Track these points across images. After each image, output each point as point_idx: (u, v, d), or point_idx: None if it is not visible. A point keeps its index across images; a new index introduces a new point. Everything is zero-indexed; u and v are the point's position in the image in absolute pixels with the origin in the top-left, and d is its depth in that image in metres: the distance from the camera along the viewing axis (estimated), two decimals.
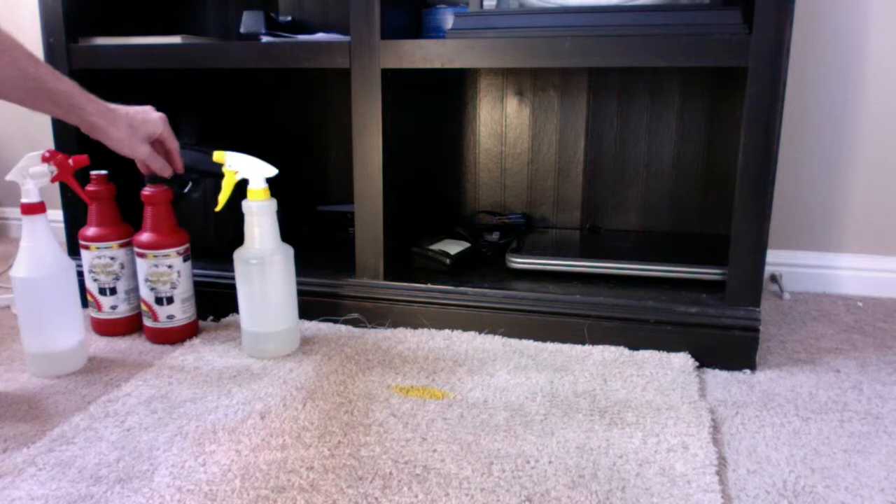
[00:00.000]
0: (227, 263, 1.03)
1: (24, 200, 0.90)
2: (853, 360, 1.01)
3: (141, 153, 0.97)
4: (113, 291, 1.06)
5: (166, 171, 1.01)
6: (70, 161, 0.98)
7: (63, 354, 0.95)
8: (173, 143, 1.02)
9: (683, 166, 1.30)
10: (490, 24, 1.00)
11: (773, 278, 1.34)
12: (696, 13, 0.93)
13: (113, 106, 0.93)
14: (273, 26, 1.22)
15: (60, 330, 0.94)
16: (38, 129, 1.69)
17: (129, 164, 1.19)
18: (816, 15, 1.24)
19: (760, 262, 0.95)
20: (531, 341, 1.04)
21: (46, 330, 0.93)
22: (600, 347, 1.01)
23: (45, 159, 0.95)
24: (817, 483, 0.71)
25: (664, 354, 0.98)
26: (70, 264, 0.95)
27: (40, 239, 0.91)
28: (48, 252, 0.92)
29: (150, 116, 0.97)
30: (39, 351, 0.94)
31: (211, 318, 1.14)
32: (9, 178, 0.92)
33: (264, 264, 0.97)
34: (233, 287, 1.02)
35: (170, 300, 1.03)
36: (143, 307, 1.04)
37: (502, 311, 1.05)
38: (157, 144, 1.00)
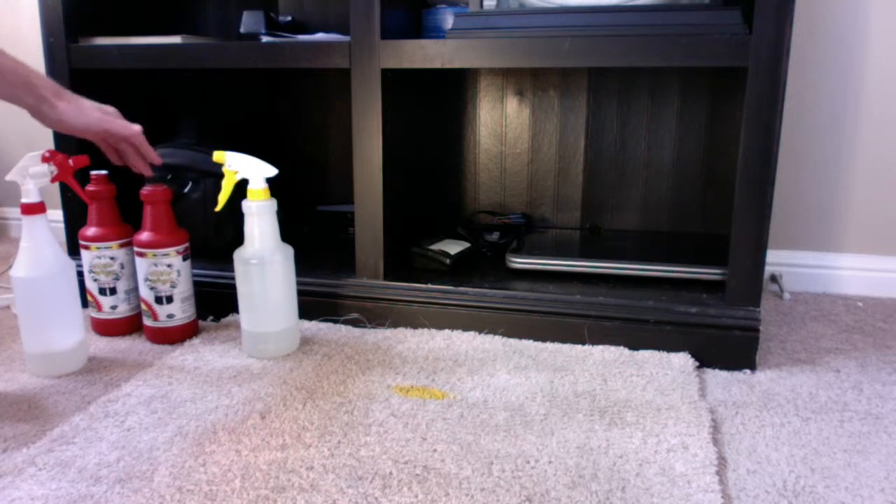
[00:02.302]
0: (227, 263, 1.03)
1: (24, 200, 0.90)
2: (853, 360, 1.01)
3: (93, 119, 0.91)
4: (113, 291, 1.06)
5: (128, 129, 0.95)
6: (70, 161, 0.98)
7: (63, 354, 0.95)
8: (139, 140, 0.97)
9: (683, 166, 1.30)
10: (490, 24, 1.00)
11: (773, 278, 1.34)
12: (696, 13, 0.93)
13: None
14: (273, 26, 1.22)
15: (60, 330, 0.94)
16: (38, 129, 1.69)
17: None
18: (816, 15, 1.24)
19: (760, 262, 0.95)
20: (531, 341, 1.04)
21: (46, 330, 0.93)
22: (600, 347, 1.01)
23: (45, 159, 0.95)
24: (817, 483, 0.71)
25: (664, 354, 0.98)
26: (70, 264, 0.95)
27: (40, 239, 0.91)
28: (48, 252, 0.92)
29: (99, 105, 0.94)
30: (39, 351, 0.94)
31: (211, 318, 1.14)
32: (9, 177, 0.92)
33: (264, 264, 0.97)
34: (233, 287, 1.02)
35: (169, 299, 1.03)
36: (143, 306, 1.04)
37: (502, 311, 1.05)
38: (118, 142, 0.96)
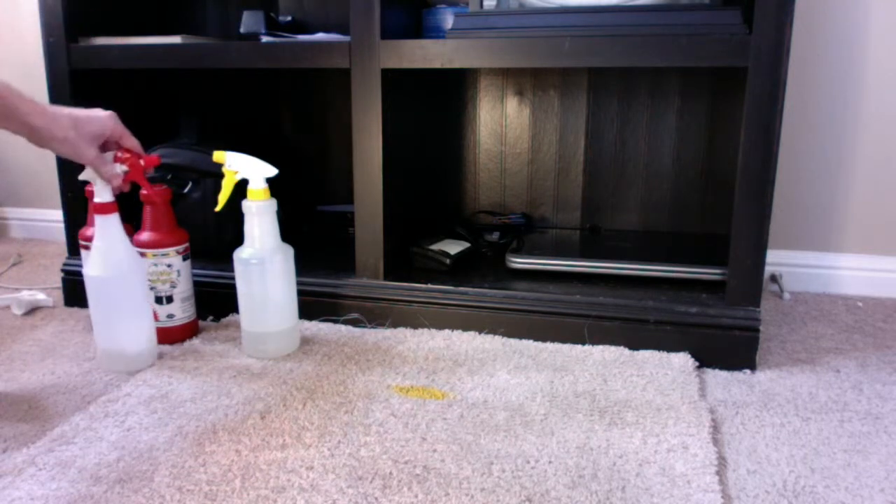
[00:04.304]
0: (227, 263, 1.03)
1: (97, 200, 0.91)
2: (853, 360, 1.01)
3: (88, 156, 0.88)
4: None
5: (117, 180, 0.91)
6: (141, 161, 0.95)
7: (134, 353, 0.96)
8: (131, 141, 0.94)
9: (683, 166, 1.30)
10: (490, 24, 1.00)
11: (773, 278, 1.34)
12: (696, 13, 0.93)
13: (52, 106, 0.86)
14: (273, 26, 1.22)
15: (131, 328, 0.95)
16: None
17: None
18: (816, 15, 1.24)
19: (760, 262, 0.95)
20: (531, 341, 1.04)
21: (118, 327, 0.94)
22: (600, 347, 1.01)
23: (117, 159, 0.93)
24: (817, 483, 0.71)
25: (664, 354, 0.98)
26: (141, 265, 0.96)
27: (113, 238, 0.92)
28: (121, 251, 0.93)
29: (95, 114, 0.89)
30: (111, 348, 0.95)
31: (211, 318, 1.14)
32: (82, 177, 0.92)
33: (264, 264, 0.97)
34: (233, 287, 1.02)
35: (169, 299, 1.03)
36: None
37: (502, 311, 1.05)
38: (112, 146, 0.93)
